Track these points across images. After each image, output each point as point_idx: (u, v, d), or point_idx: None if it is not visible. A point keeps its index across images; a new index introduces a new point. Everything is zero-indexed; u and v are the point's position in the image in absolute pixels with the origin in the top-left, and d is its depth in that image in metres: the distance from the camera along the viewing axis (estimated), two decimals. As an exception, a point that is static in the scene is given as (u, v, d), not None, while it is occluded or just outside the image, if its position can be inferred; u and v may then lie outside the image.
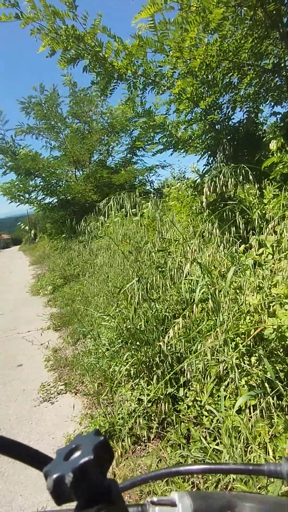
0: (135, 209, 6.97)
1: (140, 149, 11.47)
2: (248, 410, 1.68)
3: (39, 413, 2.53)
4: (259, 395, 1.67)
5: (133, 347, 2.36)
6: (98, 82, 3.77)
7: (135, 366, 2.29)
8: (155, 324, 2.28)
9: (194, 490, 0.53)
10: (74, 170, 10.82)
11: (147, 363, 2.27)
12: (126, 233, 4.18)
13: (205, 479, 1.50)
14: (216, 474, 0.68)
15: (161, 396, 2.04)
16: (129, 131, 10.96)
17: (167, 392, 2.06)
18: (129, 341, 2.43)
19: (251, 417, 1.65)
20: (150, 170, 10.93)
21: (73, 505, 0.30)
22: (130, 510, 0.36)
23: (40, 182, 9.96)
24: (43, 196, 10.59)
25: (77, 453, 0.30)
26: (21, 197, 10.43)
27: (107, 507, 0.29)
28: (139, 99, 4.42)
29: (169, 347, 2.25)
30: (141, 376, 2.26)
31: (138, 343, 2.33)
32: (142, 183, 10.58)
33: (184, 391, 2.05)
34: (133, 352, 2.32)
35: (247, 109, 4.44)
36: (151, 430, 1.96)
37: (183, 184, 4.90)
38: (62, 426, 2.30)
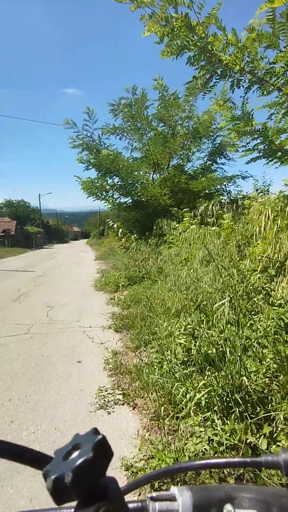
0: (212, 218, 6.60)
1: (221, 156, 11.05)
2: None
3: (95, 420, 2.37)
4: None
5: (208, 373, 2.06)
6: (199, 77, 3.55)
7: (208, 397, 1.98)
8: (239, 354, 1.94)
9: (193, 485, 0.57)
10: (152, 172, 10.85)
11: (224, 397, 1.94)
12: (205, 243, 3.86)
13: None
14: (216, 469, 0.63)
15: (239, 444, 1.69)
16: (212, 137, 10.63)
17: (247, 440, 1.71)
18: (204, 366, 2.13)
19: None
20: (230, 179, 10.43)
21: (73, 504, 0.29)
22: (130, 506, 0.36)
23: (117, 182, 10.20)
24: (118, 195, 10.83)
25: (76, 453, 0.29)
26: (98, 194, 10.81)
27: (107, 505, 0.28)
28: (240, 99, 4.08)
29: (253, 385, 1.89)
30: (214, 409, 1.95)
31: (215, 371, 2.02)
32: (220, 192, 10.14)
33: (268, 444, 1.68)
34: (208, 380, 2.01)
35: None
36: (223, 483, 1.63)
37: (276, 197, 4.41)
38: (119, 444, 2.09)
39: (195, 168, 11.16)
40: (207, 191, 9.71)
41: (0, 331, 4.51)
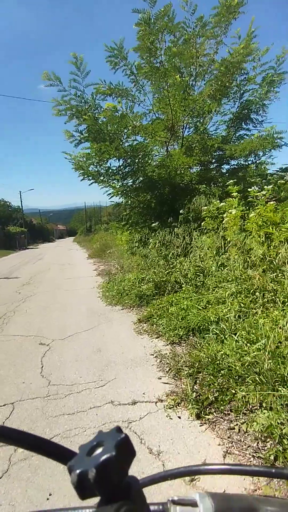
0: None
1: (248, 122, 8.65)
2: None
3: None
4: None
5: None
6: None
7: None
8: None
9: (215, 492, 0.38)
10: (169, 139, 8.21)
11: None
12: None
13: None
14: (238, 475, 0.47)
15: None
16: (238, 93, 8.17)
17: None
18: None
19: None
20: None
21: (95, 501, 0.29)
22: (151, 508, 0.36)
23: (123, 158, 7.61)
24: (123, 175, 8.30)
25: (100, 449, 0.30)
26: (96, 175, 8.25)
27: (128, 504, 0.28)
28: None
29: None
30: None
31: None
32: (260, 162, 7.76)
33: None
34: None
35: None
36: None
37: None
38: None
39: (217, 136, 8.61)
40: (243, 161, 7.33)
41: None
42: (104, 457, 0.28)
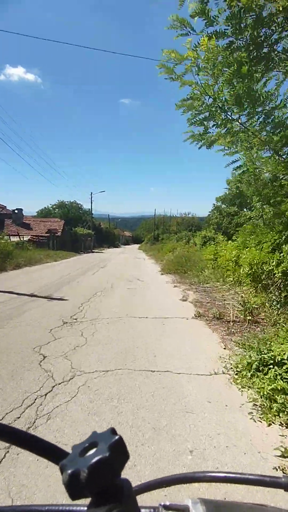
0: None
1: None
2: None
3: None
4: None
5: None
6: None
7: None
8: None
9: (208, 498, 0.36)
10: None
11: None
12: None
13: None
14: (233, 483, 0.38)
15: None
16: None
17: None
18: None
19: None
20: None
21: (87, 501, 0.29)
22: (142, 511, 0.35)
23: None
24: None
25: (93, 450, 0.29)
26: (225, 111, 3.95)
27: (119, 507, 0.27)
28: None
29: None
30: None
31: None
32: None
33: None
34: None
35: None
36: None
37: None
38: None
39: None
40: None
41: None
42: (96, 458, 0.27)
